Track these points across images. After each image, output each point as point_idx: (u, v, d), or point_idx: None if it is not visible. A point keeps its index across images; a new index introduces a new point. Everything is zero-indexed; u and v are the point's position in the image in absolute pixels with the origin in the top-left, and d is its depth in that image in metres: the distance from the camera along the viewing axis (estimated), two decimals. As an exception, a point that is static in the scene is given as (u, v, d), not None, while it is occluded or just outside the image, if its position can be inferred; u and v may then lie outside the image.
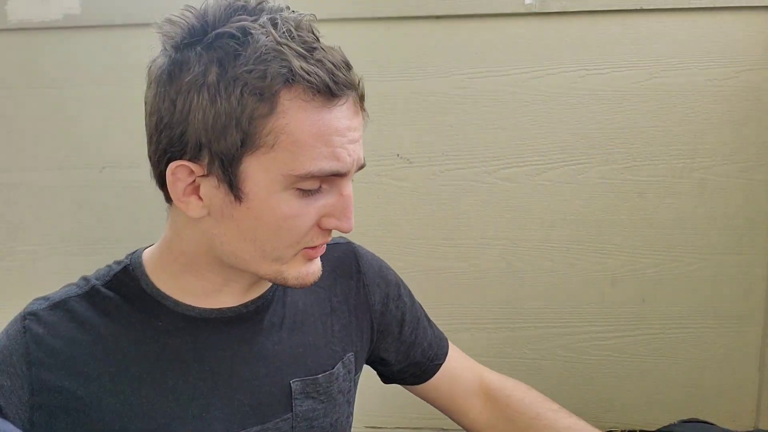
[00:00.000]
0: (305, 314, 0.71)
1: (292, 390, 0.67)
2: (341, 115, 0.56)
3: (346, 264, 0.78)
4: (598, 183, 1.27)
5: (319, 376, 0.69)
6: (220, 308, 0.65)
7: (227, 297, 0.66)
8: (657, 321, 1.31)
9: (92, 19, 1.25)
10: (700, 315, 1.30)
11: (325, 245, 0.63)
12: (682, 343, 1.31)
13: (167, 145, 0.57)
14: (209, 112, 0.54)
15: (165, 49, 0.57)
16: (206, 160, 0.56)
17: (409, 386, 0.85)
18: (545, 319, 1.32)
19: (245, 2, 0.57)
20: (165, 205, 0.65)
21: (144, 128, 0.63)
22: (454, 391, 0.85)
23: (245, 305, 0.67)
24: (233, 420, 0.63)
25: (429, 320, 0.86)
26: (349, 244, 0.81)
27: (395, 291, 0.81)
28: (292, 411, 0.67)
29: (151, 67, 0.59)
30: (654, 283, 1.30)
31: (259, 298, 0.68)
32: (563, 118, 1.25)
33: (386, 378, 0.86)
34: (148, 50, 0.61)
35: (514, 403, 0.86)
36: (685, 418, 1.33)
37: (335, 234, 0.77)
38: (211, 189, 0.58)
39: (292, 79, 0.53)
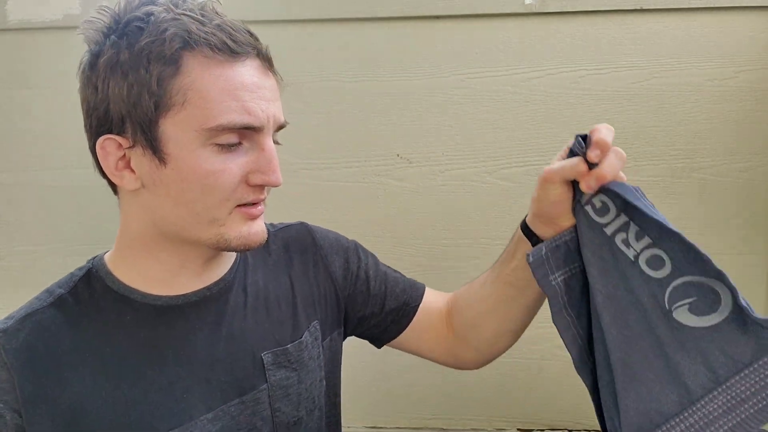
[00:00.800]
0: (267, 292, 0.74)
1: (264, 362, 0.70)
2: (246, 72, 0.60)
3: (301, 240, 0.81)
4: (598, 183, 1.27)
5: (289, 345, 0.72)
6: (185, 293, 0.68)
7: (188, 281, 0.68)
8: (657, 321, 1.31)
9: (92, 19, 1.25)
10: (700, 315, 1.30)
11: (262, 205, 0.65)
12: (682, 343, 1.31)
13: (97, 127, 0.62)
14: (123, 86, 0.59)
15: (87, 47, 0.63)
16: (129, 132, 0.60)
17: (395, 340, 0.86)
18: (545, 319, 1.31)
19: None
20: None
21: None
22: (429, 327, 0.86)
23: (208, 288, 0.69)
24: (214, 398, 0.66)
25: (398, 273, 0.88)
26: (302, 224, 0.84)
27: (354, 254, 0.84)
28: (267, 381, 0.70)
29: (78, 67, 0.63)
30: (654, 283, 1.29)
31: (220, 280, 0.71)
32: (563, 118, 1.25)
33: (374, 339, 0.87)
34: None
35: (456, 298, 0.86)
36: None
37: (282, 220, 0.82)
38: (140, 158, 0.61)
39: (190, 39, 0.58)
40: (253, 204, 0.64)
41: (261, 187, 0.63)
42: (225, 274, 0.72)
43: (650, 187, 1.27)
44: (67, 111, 1.28)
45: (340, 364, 0.84)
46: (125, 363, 0.63)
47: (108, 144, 0.62)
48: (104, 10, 0.61)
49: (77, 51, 1.29)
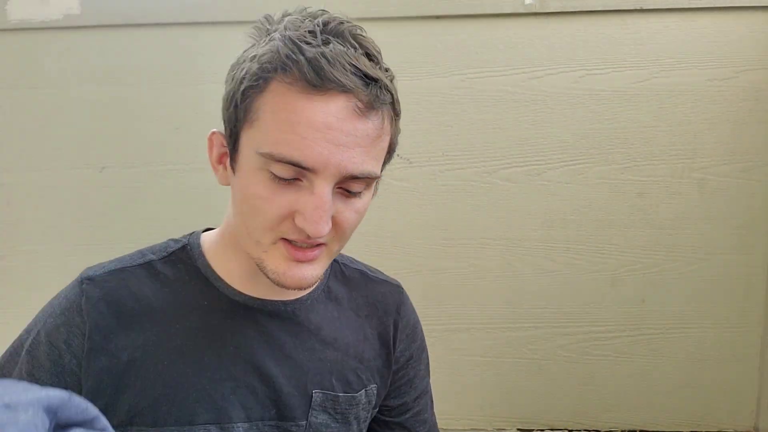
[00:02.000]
0: (340, 333, 0.72)
1: (312, 400, 0.68)
2: (323, 109, 0.55)
3: (389, 303, 0.78)
4: (598, 183, 1.27)
5: (341, 394, 0.70)
6: (262, 299, 0.67)
7: (267, 288, 0.67)
8: (657, 321, 1.31)
9: (92, 19, 1.25)
10: (700, 315, 1.30)
11: (316, 252, 0.61)
12: (682, 343, 1.31)
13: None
14: (226, 90, 0.62)
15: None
16: (227, 135, 0.62)
17: None
18: (545, 319, 1.32)
19: (310, 12, 0.61)
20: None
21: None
22: None
23: (285, 303, 0.69)
24: (254, 410, 0.65)
25: (431, 407, 0.85)
26: (399, 286, 0.81)
27: (417, 353, 0.81)
28: (307, 420, 0.68)
29: None
30: (654, 283, 1.30)
31: (297, 300, 0.70)
32: (563, 118, 1.25)
33: None
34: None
35: None
36: (684, 417, 1.34)
37: (390, 273, 0.82)
38: (229, 159, 0.63)
39: (283, 63, 0.56)
40: (299, 245, 0.60)
41: (306, 233, 0.58)
42: (303, 296, 0.70)
43: (650, 187, 1.27)
44: (67, 111, 1.28)
45: None
46: (189, 343, 0.64)
47: (215, 137, 0.65)
48: (268, 16, 0.63)
49: (77, 51, 1.29)
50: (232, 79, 0.61)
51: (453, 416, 1.35)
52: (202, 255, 0.68)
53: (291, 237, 0.59)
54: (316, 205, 0.56)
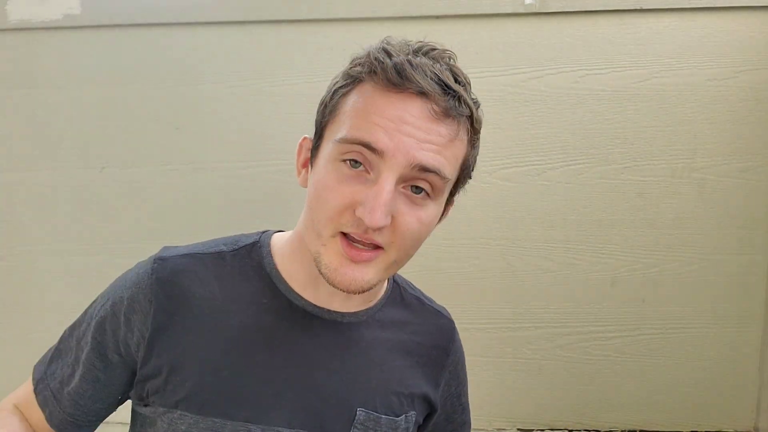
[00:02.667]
0: (389, 356, 0.72)
1: (356, 417, 0.68)
2: (399, 105, 0.58)
3: (441, 336, 0.78)
4: (598, 183, 1.27)
5: (383, 416, 0.70)
6: (320, 307, 0.68)
7: (328, 297, 0.68)
8: (657, 321, 1.31)
9: (92, 19, 1.25)
10: (700, 315, 1.30)
11: (369, 254, 0.61)
12: (682, 343, 1.31)
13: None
14: (322, 98, 0.66)
15: None
16: (315, 135, 0.66)
17: None
18: (545, 319, 1.32)
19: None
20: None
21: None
22: None
23: (342, 315, 0.69)
24: (296, 417, 0.66)
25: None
26: (452, 321, 0.82)
27: (458, 390, 0.82)
28: None
29: None
30: (654, 283, 1.30)
31: (354, 314, 0.70)
32: (563, 118, 1.25)
33: None
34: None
35: None
36: (684, 417, 1.34)
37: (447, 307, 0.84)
38: (311, 159, 0.67)
39: (374, 68, 0.60)
40: (355, 239, 0.60)
41: (364, 224, 0.58)
42: (362, 311, 0.71)
43: (650, 187, 1.27)
44: (66, 110, 1.28)
45: None
46: (244, 337, 0.65)
47: (305, 143, 0.69)
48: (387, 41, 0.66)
49: (77, 51, 1.29)
50: (328, 88, 0.66)
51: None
52: (269, 254, 0.70)
53: (349, 230, 0.59)
54: (377, 194, 0.57)
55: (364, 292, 0.63)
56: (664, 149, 1.26)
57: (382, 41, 0.63)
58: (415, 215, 0.61)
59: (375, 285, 0.63)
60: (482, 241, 1.30)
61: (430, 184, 0.60)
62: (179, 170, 1.28)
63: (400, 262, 0.64)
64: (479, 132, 0.67)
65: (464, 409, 0.83)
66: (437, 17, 1.23)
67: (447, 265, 1.30)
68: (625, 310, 1.31)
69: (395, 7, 1.23)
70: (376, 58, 0.60)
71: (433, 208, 0.63)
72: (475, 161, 0.69)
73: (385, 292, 0.75)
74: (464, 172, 0.67)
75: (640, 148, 1.26)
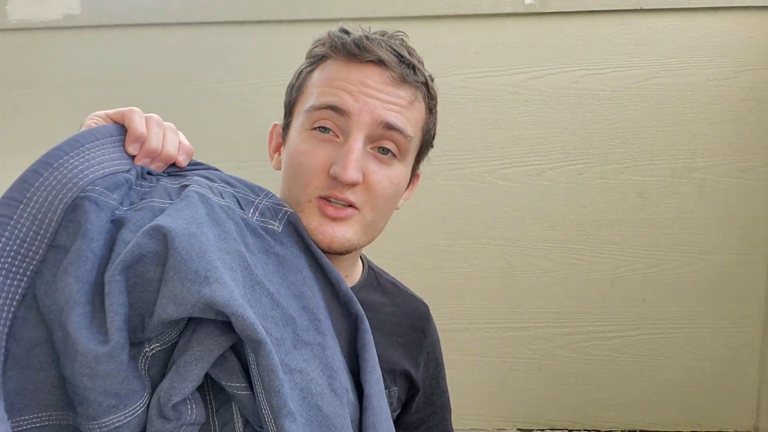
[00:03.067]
0: (375, 329, 0.74)
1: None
2: (359, 74, 0.64)
3: (418, 318, 0.81)
4: (598, 183, 1.27)
5: None
6: None
7: None
8: (657, 321, 1.31)
9: (92, 19, 1.25)
10: (700, 315, 1.30)
11: (348, 211, 0.65)
12: (682, 343, 1.31)
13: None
14: (290, 80, 0.71)
15: None
16: (284, 118, 0.71)
17: None
18: (545, 319, 1.32)
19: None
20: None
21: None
22: None
23: None
24: None
25: (449, 423, 0.89)
26: (426, 305, 0.85)
27: (435, 372, 0.84)
28: None
29: None
30: (654, 283, 1.30)
31: None
32: (563, 118, 1.25)
33: None
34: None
35: None
36: (684, 417, 1.34)
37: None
38: (283, 137, 0.71)
39: (334, 46, 0.66)
40: (333, 200, 0.64)
41: (340, 185, 0.63)
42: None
43: (650, 187, 1.27)
44: (66, 110, 1.28)
45: None
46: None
47: (275, 129, 0.74)
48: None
49: (77, 51, 1.29)
50: (295, 72, 0.71)
51: (453, 416, 1.35)
52: None
53: (326, 192, 0.64)
54: (348, 151, 0.62)
55: (345, 252, 0.67)
56: (664, 149, 1.26)
57: (340, 26, 0.69)
58: (384, 174, 0.65)
59: (354, 245, 0.67)
60: (482, 241, 1.30)
61: (395, 144, 0.65)
62: (179, 170, 1.29)
63: (375, 224, 0.69)
64: (435, 101, 0.72)
65: (443, 392, 0.85)
66: (437, 17, 1.24)
67: (447, 265, 1.30)
68: (625, 310, 1.31)
69: (395, 7, 1.23)
70: (336, 36, 0.66)
71: (400, 169, 0.68)
72: (435, 130, 0.74)
73: (362, 276, 0.78)
74: (426, 138, 0.72)
75: (640, 148, 1.26)
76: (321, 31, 0.72)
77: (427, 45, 1.24)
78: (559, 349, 1.33)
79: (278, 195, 0.69)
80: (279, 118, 0.73)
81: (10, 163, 1.31)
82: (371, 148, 0.65)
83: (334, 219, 0.64)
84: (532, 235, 1.29)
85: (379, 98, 0.64)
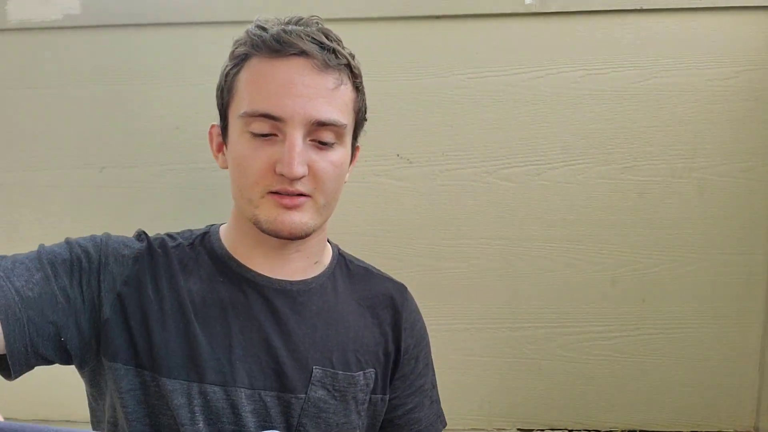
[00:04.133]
0: (343, 316, 0.78)
1: (312, 375, 0.73)
2: (285, 69, 0.67)
3: (391, 298, 0.84)
4: (598, 183, 1.27)
5: (340, 372, 0.75)
6: (270, 277, 0.76)
7: (275, 266, 0.76)
8: (657, 321, 1.31)
9: (92, 19, 1.25)
10: (700, 315, 1.30)
11: (301, 200, 0.70)
12: (682, 343, 1.31)
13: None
14: (218, 85, 0.76)
15: None
16: (220, 120, 0.75)
17: None
18: (545, 319, 1.32)
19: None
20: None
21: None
22: None
23: (291, 282, 0.77)
24: (257, 378, 0.72)
25: (432, 399, 0.89)
26: (403, 285, 0.88)
27: (415, 353, 0.85)
28: (306, 393, 0.73)
29: None
30: (654, 283, 1.30)
31: (304, 281, 0.78)
32: (563, 118, 1.25)
33: None
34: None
35: None
36: (684, 417, 1.34)
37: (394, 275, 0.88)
38: (223, 140, 0.76)
39: (255, 44, 0.69)
40: (284, 193, 0.69)
41: (288, 179, 0.67)
42: (308, 278, 0.78)
43: (650, 187, 1.27)
44: (67, 111, 1.28)
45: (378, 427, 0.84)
46: (205, 310, 0.72)
47: (213, 131, 0.78)
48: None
49: (77, 51, 1.29)
50: (221, 75, 0.75)
51: (453, 416, 1.35)
52: (219, 240, 0.79)
53: (276, 188, 0.68)
54: (289, 149, 0.67)
55: (306, 235, 0.72)
56: (664, 149, 1.26)
57: (256, 20, 0.72)
58: (327, 161, 0.70)
59: (312, 228, 0.72)
60: (482, 241, 1.30)
61: (332, 134, 0.70)
62: (179, 170, 1.29)
63: (329, 205, 0.74)
64: (360, 78, 0.75)
65: (421, 375, 0.86)
66: (437, 17, 1.24)
67: (447, 265, 1.30)
68: (625, 310, 1.31)
69: (395, 7, 1.23)
70: (255, 35, 0.69)
71: (341, 151, 0.72)
72: (366, 105, 0.77)
73: (331, 262, 0.82)
74: (359, 116, 0.76)
75: (640, 148, 1.26)
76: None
77: (427, 45, 1.24)
78: (559, 349, 1.33)
79: (232, 196, 0.74)
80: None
81: (11, 164, 1.31)
82: (310, 140, 0.69)
83: (290, 208, 0.69)
84: (532, 235, 1.29)
85: (307, 95, 0.67)
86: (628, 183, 1.27)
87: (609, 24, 1.23)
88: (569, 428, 1.35)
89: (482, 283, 1.31)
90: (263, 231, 0.71)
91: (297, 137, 0.67)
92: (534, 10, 1.22)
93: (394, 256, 1.29)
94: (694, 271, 1.29)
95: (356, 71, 0.74)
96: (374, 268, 0.88)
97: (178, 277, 0.74)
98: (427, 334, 0.89)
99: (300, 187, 0.69)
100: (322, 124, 0.68)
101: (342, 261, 0.85)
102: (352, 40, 1.28)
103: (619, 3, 1.21)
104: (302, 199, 0.70)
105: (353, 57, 0.75)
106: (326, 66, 0.69)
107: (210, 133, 0.79)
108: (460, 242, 1.30)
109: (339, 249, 0.87)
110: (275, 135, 0.68)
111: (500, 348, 1.33)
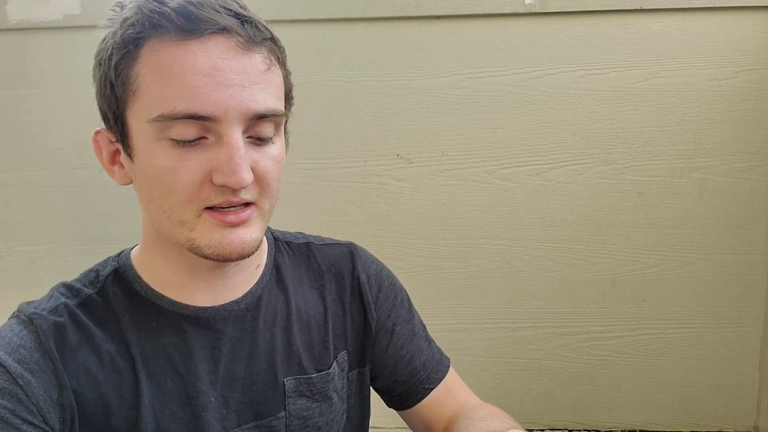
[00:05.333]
0: (299, 312, 0.70)
1: (286, 388, 0.66)
2: (203, 53, 0.52)
3: (342, 263, 0.75)
4: (598, 183, 1.27)
5: (314, 375, 0.68)
6: (211, 306, 0.64)
7: (210, 291, 0.64)
8: (657, 321, 1.31)
9: (92, 19, 1.25)
10: (700, 315, 1.30)
11: (248, 212, 0.57)
12: (682, 343, 1.31)
13: (101, 121, 0.62)
14: (98, 79, 0.59)
15: None
16: (112, 126, 0.59)
17: (399, 411, 0.80)
18: (545, 319, 1.32)
19: None
20: None
21: None
22: (433, 420, 0.77)
23: (236, 302, 0.65)
24: (229, 418, 0.63)
25: (429, 339, 0.80)
26: (349, 244, 0.78)
27: (391, 299, 0.77)
28: (285, 409, 0.66)
29: None
30: (654, 283, 1.30)
31: (247, 294, 0.66)
32: (563, 118, 1.25)
33: (384, 398, 0.80)
34: None
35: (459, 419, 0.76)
36: (684, 417, 1.34)
37: (339, 236, 0.78)
38: (123, 153, 0.59)
39: (148, 24, 0.53)
40: (226, 207, 0.56)
41: (230, 189, 0.54)
42: (252, 287, 0.67)
43: (650, 187, 1.27)
44: (66, 111, 1.28)
45: (368, 400, 0.78)
46: (148, 369, 0.61)
47: (100, 137, 0.62)
48: (119, 2, 0.60)
49: (77, 51, 1.29)
50: (99, 65, 0.58)
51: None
52: (137, 276, 0.63)
53: (215, 202, 0.55)
54: (230, 154, 0.53)
55: (254, 252, 0.59)
56: (664, 149, 1.26)
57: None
58: (269, 158, 0.58)
59: (261, 241, 0.61)
60: (482, 241, 1.30)
61: (272, 125, 0.57)
62: (179, 170, 1.28)
63: (273, 209, 0.62)
64: (284, 52, 0.62)
65: (405, 320, 0.78)
66: (437, 17, 1.24)
67: (447, 265, 1.30)
68: (625, 310, 1.31)
69: (395, 7, 1.23)
70: (152, 11, 0.53)
71: (280, 143, 0.60)
72: (291, 83, 0.64)
73: (269, 255, 0.71)
74: (289, 96, 0.64)
75: (640, 148, 1.26)
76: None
77: (427, 45, 1.24)
78: (559, 349, 1.33)
79: (147, 213, 0.61)
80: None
81: (11, 164, 1.31)
82: (248, 138, 0.56)
83: (235, 225, 0.57)
84: (532, 235, 1.29)
85: (238, 82, 0.53)
86: (628, 183, 1.27)
87: (609, 24, 1.23)
88: (569, 428, 1.35)
89: (482, 283, 1.31)
90: (204, 257, 0.57)
91: (237, 137, 0.54)
92: (534, 10, 1.22)
93: (394, 256, 1.29)
94: (694, 271, 1.29)
95: (280, 44, 0.61)
96: (316, 239, 0.77)
97: (103, 345, 0.60)
98: (395, 278, 0.79)
99: (245, 195, 0.56)
100: (262, 117, 0.55)
101: (280, 246, 0.73)
102: (352, 40, 1.29)
103: (619, 3, 1.21)
104: (248, 211, 0.57)
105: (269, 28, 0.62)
106: (252, 43, 0.55)
107: (95, 141, 0.63)
108: (460, 242, 1.30)
109: (272, 232, 0.75)
110: (204, 138, 0.54)
111: (500, 348, 1.33)
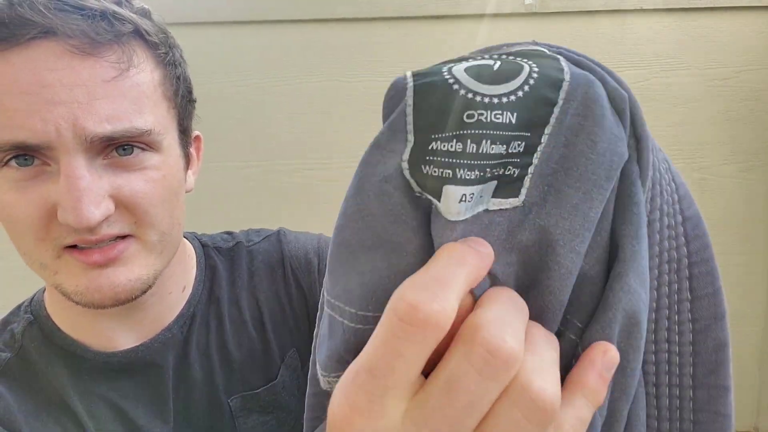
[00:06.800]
0: (233, 325, 0.63)
1: (232, 409, 0.61)
2: (26, 66, 0.42)
3: (271, 255, 0.67)
4: (598, 183, 1.27)
5: (259, 390, 0.62)
6: (139, 345, 0.57)
7: (135, 330, 0.57)
8: (657, 321, 1.31)
9: None
10: (700, 315, 1.30)
11: (112, 247, 0.47)
12: (682, 343, 1.31)
13: None
14: None
15: None
16: None
17: None
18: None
19: None
20: None
21: None
22: None
23: (168, 329, 0.58)
24: None
25: None
26: (278, 232, 0.69)
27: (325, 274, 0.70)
28: (237, 430, 0.61)
29: None
30: (654, 283, 1.30)
31: (179, 317, 0.59)
32: (563, 118, 1.25)
33: None
34: None
35: None
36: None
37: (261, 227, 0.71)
38: None
39: None
40: (85, 246, 0.46)
41: (81, 229, 0.44)
42: (183, 309, 0.60)
43: (650, 187, 1.27)
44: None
45: None
46: (92, 415, 0.54)
47: None
48: None
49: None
50: None
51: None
52: (54, 327, 0.55)
53: (71, 240, 0.46)
54: (69, 187, 0.43)
55: (142, 294, 0.50)
56: (664, 149, 1.24)
57: None
58: (139, 179, 0.47)
59: (151, 279, 0.51)
60: (482, 241, 1.29)
61: (137, 143, 0.47)
62: (179, 170, 1.28)
63: (168, 235, 0.51)
64: (165, 46, 0.51)
65: None
66: (437, 17, 1.24)
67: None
68: (625, 310, 1.31)
69: (395, 6, 1.23)
70: None
71: (158, 158, 0.49)
72: (189, 79, 0.55)
73: (198, 269, 0.63)
74: (178, 97, 0.53)
75: (640, 148, 1.26)
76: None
77: (427, 45, 1.24)
78: (559, 349, 1.33)
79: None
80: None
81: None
82: (103, 158, 0.46)
83: (103, 265, 0.47)
84: (532, 235, 1.29)
85: (74, 99, 0.43)
86: (628, 183, 1.27)
87: (609, 24, 1.23)
88: (569, 428, 1.35)
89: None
90: (77, 304, 0.48)
91: (76, 165, 0.43)
92: (534, 10, 1.22)
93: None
94: (694, 271, 1.29)
95: (154, 39, 0.49)
96: (243, 236, 0.69)
97: (40, 408, 0.53)
98: (325, 252, 0.68)
99: (108, 229, 0.46)
100: (110, 140, 0.45)
101: (210, 253, 0.65)
102: (352, 40, 1.29)
103: (619, 3, 1.21)
104: (121, 246, 0.47)
105: (148, 14, 0.51)
106: (94, 45, 0.44)
107: None
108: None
109: (199, 240, 0.66)
110: (45, 164, 0.45)
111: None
